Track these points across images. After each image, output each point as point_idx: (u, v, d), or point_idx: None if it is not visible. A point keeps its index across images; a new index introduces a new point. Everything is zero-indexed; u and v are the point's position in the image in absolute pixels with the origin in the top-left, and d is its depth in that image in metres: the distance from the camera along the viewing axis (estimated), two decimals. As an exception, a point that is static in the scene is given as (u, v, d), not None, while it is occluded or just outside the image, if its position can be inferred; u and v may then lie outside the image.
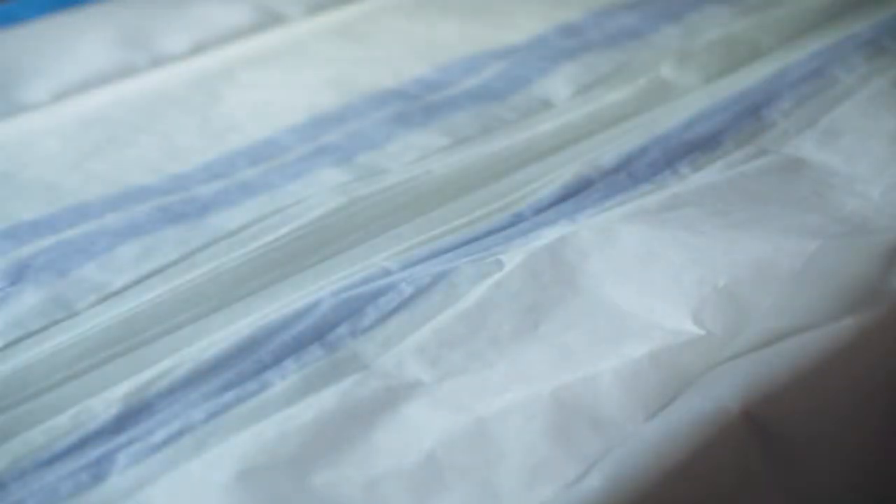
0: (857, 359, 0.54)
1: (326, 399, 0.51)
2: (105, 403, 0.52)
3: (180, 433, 0.50)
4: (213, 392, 0.52)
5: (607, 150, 0.71)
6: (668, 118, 0.75)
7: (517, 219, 0.65)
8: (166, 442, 0.49)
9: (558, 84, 0.82)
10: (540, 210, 0.66)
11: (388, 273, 0.60)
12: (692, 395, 0.51)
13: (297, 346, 0.54)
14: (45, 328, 0.58)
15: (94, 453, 0.49)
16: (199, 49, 0.93)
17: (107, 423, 0.51)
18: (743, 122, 0.73)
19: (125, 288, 0.61)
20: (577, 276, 0.58)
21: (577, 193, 0.67)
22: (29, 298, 0.60)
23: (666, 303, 0.56)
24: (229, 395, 0.52)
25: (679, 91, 0.79)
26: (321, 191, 0.69)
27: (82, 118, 0.83)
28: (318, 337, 0.55)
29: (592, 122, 0.75)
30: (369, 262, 0.61)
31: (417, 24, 0.95)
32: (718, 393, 0.50)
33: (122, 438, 0.50)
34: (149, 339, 0.57)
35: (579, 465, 0.47)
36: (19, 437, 0.51)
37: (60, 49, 0.93)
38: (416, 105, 0.80)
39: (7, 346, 0.57)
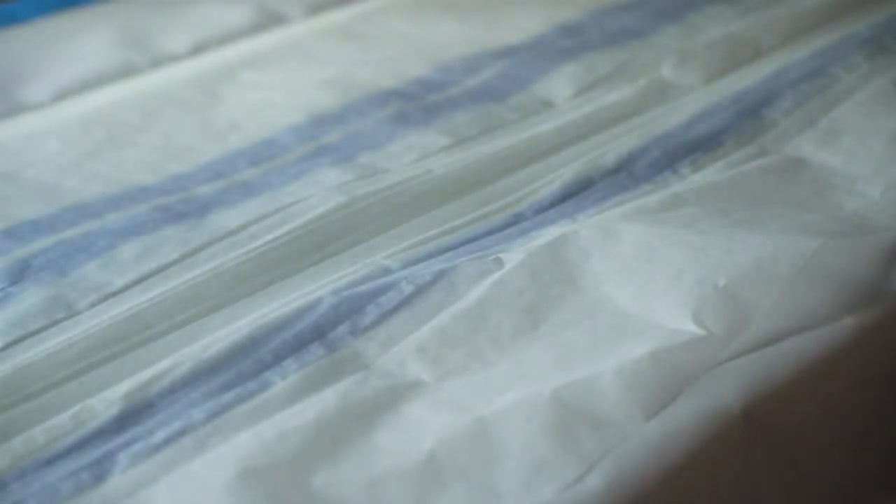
0: (857, 359, 0.54)
1: (327, 398, 0.51)
2: (106, 403, 0.52)
3: (181, 433, 0.50)
4: (214, 391, 0.52)
5: (608, 149, 0.71)
6: (669, 118, 0.75)
7: (518, 218, 0.65)
8: (167, 441, 0.49)
9: (559, 84, 0.82)
10: (540, 210, 0.66)
11: (388, 272, 0.60)
12: (692, 395, 0.51)
13: (297, 346, 0.54)
14: (45, 328, 0.58)
15: (94, 453, 0.49)
16: (199, 49, 0.93)
17: (107, 422, 0.51)
18: (743, 121, 0.73)
19: (126, 287, 0.61)
20: (578, 276, 0.58)
21: (577, 193, 0.67)
22: (29, 298, 0.60)
23: (666, 302, 0.56)
24: (230, 395, 0.52)
25: (679, 91, 0.79)
26: (321, 190, 0.69)
27: (82, 118, 0.83)
28: (318, 336, 0.55)
29: (593, 122, 0.75)
30: (370, 260, 0.61)
31: (417, 24, 0.95)
32: (718, 393, 0.50)
33: (123, 438, 0.50)
34: (149, 339, 0.57)
35: (579, 465, 0.47)
36: (20, 437, 0.51)
37: (60, 49, 0.93)
38: (416, 105, 0.80)
39: (7, 345, 0.57)
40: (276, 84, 0.86)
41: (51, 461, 0.49)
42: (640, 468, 0.47)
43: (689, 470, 0.48)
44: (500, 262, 0.59)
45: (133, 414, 0.51)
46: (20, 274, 0.63)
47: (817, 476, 0.54)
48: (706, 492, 0.49)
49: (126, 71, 0.90)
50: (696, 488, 0.49)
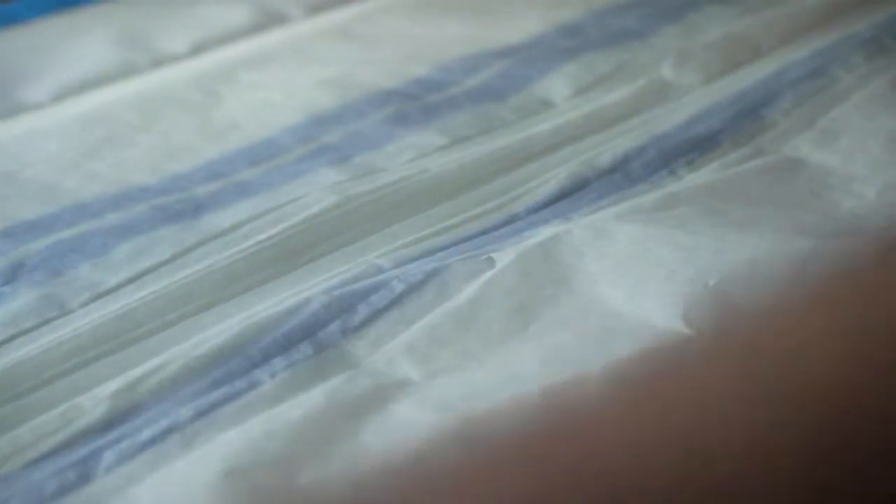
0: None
1: (315, 397, 0.51)
2: (94, 401, 0.52)
3: (168, 431, 0.50)
4: (202, 390, 0.52)
5: (604, 150, 0.70)
6: (668, 118, 0.75)
7: (512, 218, 0.65)
8: (153, 440, 0.49)
9: (558, 84, 0.81)
10: (535, 209, 0.65)
11: (380, 271, 0.60)
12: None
13: (286, 344, 0.54)
14: (37, 326, 0.58)
15: (80, 451, 0.49)
16: (199, 49, 0.93)
17: (95, 421, 0.51)
18: (742, 121, 0.73)
19: (118, 286, 0.61)
20: (570, 275, 0.58)
21: (572, 193, 0.67)
22: (22, 297, 0.61)
23: (657, 302, 0.55)
24: (218, 394, 0.52)
25: (679, 91, 0.79)
26: (316, 190, 0.69)
27: (82, 118, 0.83)
28: (308, 335, 0.55)
29: (592, 122, 0.75)
30: (362, 259, 0.61)
31: (417, 24, 0.95)
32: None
33: (110, 436, 0.50)
34: (140, 337, 0.57)
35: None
36: (6, 436, 0.51)
37: (60, 49, 0.93)
38: (415, 105, 0.80)
39: None
40: (276, 84, 0.86)
41: (37, 460, 0.49)
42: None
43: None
44: (491, 262, 0.59)
45: (121, 413, 0.51)
46: (13, 273, 0.63)
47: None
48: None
49: (126, 71, 0.90)
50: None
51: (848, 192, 0.65)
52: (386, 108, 0.80)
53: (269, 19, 0.97)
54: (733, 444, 0.52)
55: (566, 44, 0.88)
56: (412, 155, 0.73)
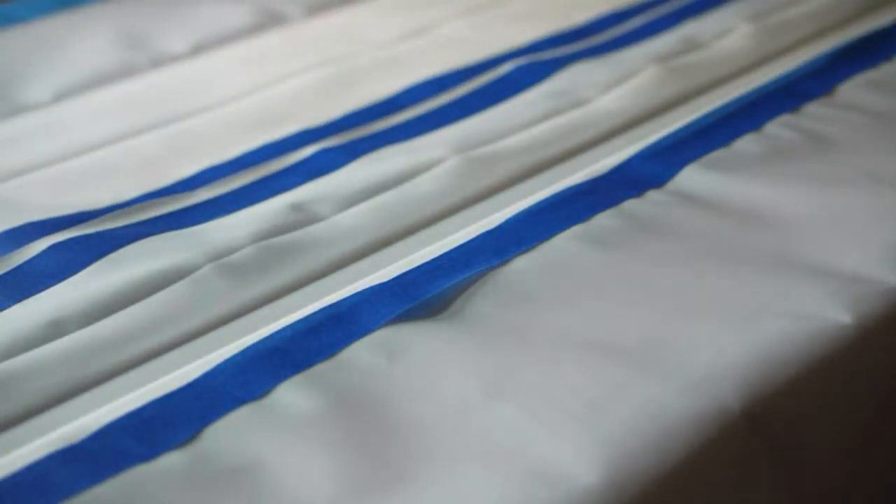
0: (857, 359, 0.54)
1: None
2: None
3: None
4: None
5: None
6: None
7: None
8: None
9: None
10: None
11: None
12: (692, 395, 0.51)
13: None
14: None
15: None
16: (199, 49, 0.93)
17: None
18: None
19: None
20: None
21: None
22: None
23: None
24: None
25: None
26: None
27: (82, 118, 0.82)
28: None
29: None
30: None
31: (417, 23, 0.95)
32: (718, 393, 0.50)
33: None
34: None
35: (579, 465, 0.47)
36: None
37: (60, 49, 0.93)
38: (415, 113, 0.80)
39: None
40: (276, 85, 0.86)
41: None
42: (641, 468, 0.47)
43: (689, 470, 0.48)
44: None
45: None
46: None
47: (816, 474, 0.54)
48: (706, 491, 0.49)
49: (126, 71, 0.90)
50: (695, 488, 0.49)
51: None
52: (387, 110, 0.80)
53: (269, 19, 0.97)
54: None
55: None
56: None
